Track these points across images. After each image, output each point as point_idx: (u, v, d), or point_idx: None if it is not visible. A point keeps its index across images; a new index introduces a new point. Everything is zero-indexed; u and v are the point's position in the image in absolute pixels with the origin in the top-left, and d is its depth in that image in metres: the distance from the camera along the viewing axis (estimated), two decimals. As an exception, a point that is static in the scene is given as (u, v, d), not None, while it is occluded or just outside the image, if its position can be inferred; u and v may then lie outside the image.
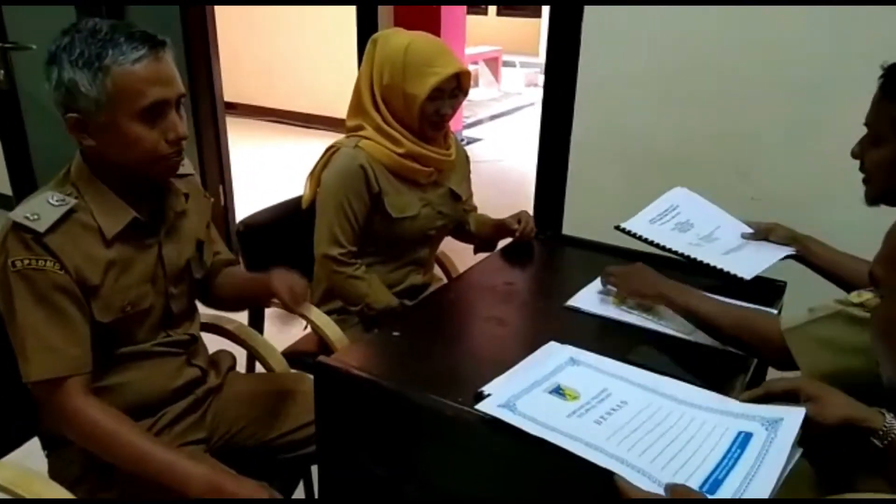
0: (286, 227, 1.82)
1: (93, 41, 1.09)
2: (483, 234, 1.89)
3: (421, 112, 1.63)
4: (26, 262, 1.08)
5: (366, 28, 2.70)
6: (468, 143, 6.17)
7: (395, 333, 1.29)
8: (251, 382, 1.50)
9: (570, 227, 2.47)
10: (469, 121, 6.94)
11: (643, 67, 2.18)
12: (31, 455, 1.28)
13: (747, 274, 1.40)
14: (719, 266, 1.43)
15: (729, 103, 2.08)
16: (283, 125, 6.44)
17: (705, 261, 1.45)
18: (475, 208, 1.98)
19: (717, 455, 0.88)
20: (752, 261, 1.44)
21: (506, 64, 9.27)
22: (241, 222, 1.81)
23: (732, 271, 1.41)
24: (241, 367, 1.58)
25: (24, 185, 2.71)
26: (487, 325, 1.40)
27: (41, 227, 1.09)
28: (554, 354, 1.13)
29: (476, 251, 1.95)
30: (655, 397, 1.02)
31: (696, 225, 1.61)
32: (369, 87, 1.67)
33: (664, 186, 1.71)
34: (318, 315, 1.65)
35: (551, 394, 1.02)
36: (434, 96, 1.61)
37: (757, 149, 2.08)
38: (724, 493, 0.82)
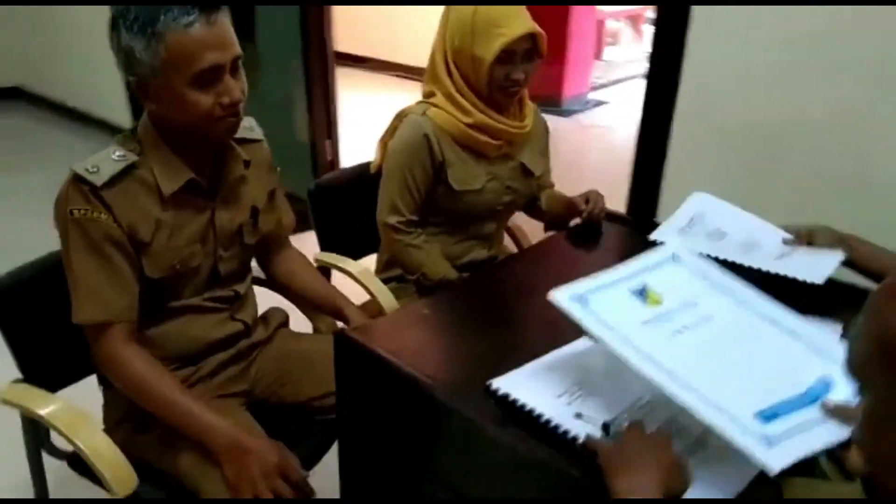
0: (358, 190, 1.83)
1: (147, 6, 1.12)
2: (554, 213, 1.81)
3: (490, 76, 1.55)
4: (83, 211, 1.16)
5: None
6: (594, 105, 5.92)
7: (426, 311, 1.27)
8: (300, 341, 1.54)
9: (666, 211, 2.31)
10: (599, 81, 6.63)
11: (755, 37, 1.96)
12: (93, 389, 1.39)
13: (818, 279, 1.24)
14: (783, 273, 1.27)
15: (846, 77, 1.82)
16: (409, 80, 6.49)
17: (764, 268, 1.29)
18: (551, 185, 1.89)
19: (791, 391, 0.84)
20: (814, 265, 1.27)
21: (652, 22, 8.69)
22: (315, 182, 1.84)
23: (801, 277, 1.25)
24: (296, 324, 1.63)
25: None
26: (527, 310, 1.34)
27: (98, 181, 1.16)
28: (668, 240, 1.12)
29: (546, 229, 1.87)
30: (748, 315, 0.94)
31: (729, 233, 1.47)
32: (442, 52, 1.62)
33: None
34: (375, 283, 1.67)
35: (633, 294, 0.97)
36: (503, 59, 1.53)
37: (878, 129, 1.82)
38: (773, 429, 0.79)
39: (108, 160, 1.19)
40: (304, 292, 1.54)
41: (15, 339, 1.29)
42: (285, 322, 1.58)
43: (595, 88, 6.40)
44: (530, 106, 1.73)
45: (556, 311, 0.97)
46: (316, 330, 1.64)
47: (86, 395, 1.34)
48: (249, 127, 1.43)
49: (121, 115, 4.09)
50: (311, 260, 1.77)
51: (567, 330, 1.02)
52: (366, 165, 1.86)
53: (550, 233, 1.80)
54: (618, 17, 7.80)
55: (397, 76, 6.66)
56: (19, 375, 1.31)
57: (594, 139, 5.32)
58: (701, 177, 2.16)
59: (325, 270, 1.77)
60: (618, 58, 7.84)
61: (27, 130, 4.85)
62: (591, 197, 1.66)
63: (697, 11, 2.02)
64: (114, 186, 1.17)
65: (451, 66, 1.60)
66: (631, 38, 8.34)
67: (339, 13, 3.44)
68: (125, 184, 1.19)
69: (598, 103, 6.05)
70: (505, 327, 1.29)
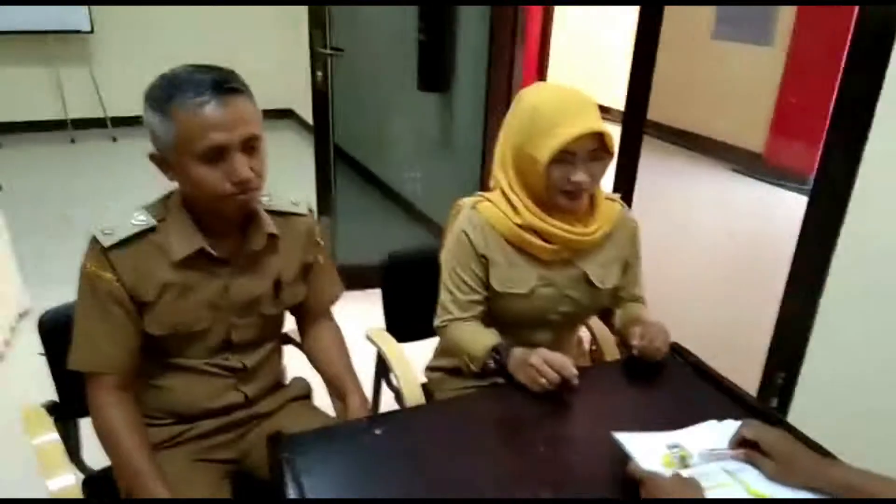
0: (431, 265, 1.73)
1: (167, 86, 1.19)
2: (623, 333, 1.54)
3: (547, 179, 1.39)
4: (92, 268, 1.26)
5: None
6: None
7: (377, 431, 1.15)
8: (307, 419, 1.49)
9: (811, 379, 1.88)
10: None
11: None
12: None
13: None
14: None
15: None
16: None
17: None
18: (637, 298, 1.62)
19: None
20: None
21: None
22: (390, 253, 1.81)
23: None
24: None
25: (324, 179, 3.14)
26: (506, 447, 1.15)
27: (107, 242, 1.25)
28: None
29: (622, 348, 1.61)
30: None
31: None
32: (505, 143, 1.49)
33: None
34: (407, 373, 1.59)
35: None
36: (561, 159, 1.36)
37: None
38: None
39: (125, 223, 1.28)
40: (321, 369, 1.52)
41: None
42: (305, 395, 1.56)
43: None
44: (607, 210, 1.51)
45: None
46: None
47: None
48: (294, 202, 1.45)
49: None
50: (364, 334, 1.75)
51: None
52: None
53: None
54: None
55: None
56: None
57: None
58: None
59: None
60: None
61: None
62: (648, 334, 1.38)
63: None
64: (123, 248, 1.26)
65: (510, 161, 1.46)
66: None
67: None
68: (137, 246, 1.27)
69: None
70: (451, 463, 1.12)
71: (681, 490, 0.98)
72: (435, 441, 1.17)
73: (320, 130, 3.01)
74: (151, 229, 1.28)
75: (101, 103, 5.89)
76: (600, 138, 1.36)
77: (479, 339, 1.45)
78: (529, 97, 1.42)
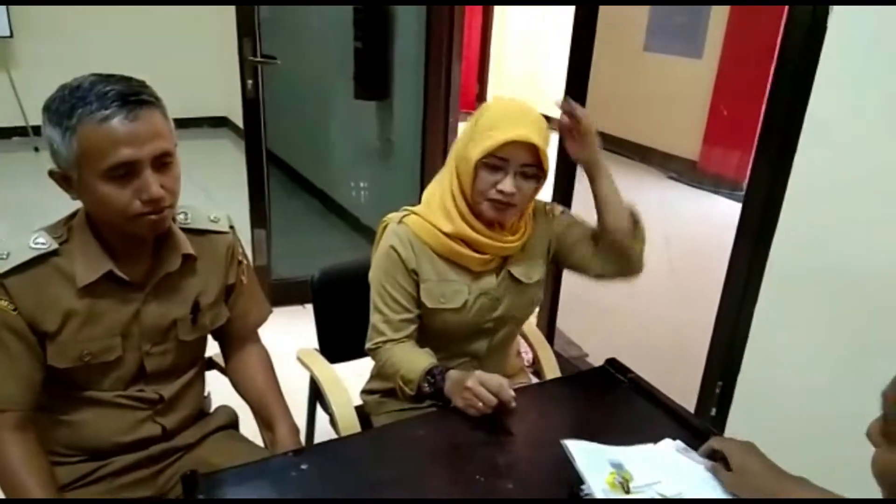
0: (362, 282, 1.67)
1: (69, 98, 1.09)
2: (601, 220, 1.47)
3: (476, 181, 1.35)
4: None
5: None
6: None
7: (303, 466, 1.08)
8: (232, 450, 1.39)
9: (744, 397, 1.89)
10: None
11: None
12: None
13: None
14: None
15: None
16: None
17: None
18: (589, 230, 1.52)
19: None
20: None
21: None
22: (321, 269, 1.73)
23: None
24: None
25: (257, 189, 3.03)
26: (442, 478, 1.09)
27: (1, 268, 1.14)
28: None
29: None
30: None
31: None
32: (453, 150, 1.45)
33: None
34: (339, 398, 1.52)
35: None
36: (491, 164, 1.32)
37: None
38: None
39: (22, 247, 1.17)
40: (247, 396, 1.43)
41: None
42: (231, 424, 1.47)
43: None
44: (529, 215, 1.48)
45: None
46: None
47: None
48: (213, 218, 1.36)
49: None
50: (295, 353, 1.67)
51: None
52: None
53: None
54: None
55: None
56: None
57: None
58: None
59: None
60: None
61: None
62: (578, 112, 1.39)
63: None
64: (21, 273, 1.15)
65: (452, 166, 1.42)
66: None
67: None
68: (36, 271, 1.17)
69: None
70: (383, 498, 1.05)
71: None
72: (366, 475, 1.10)
73: (251, 140, 2.90)
74: (53, 252, 1.18)
75: (23, 111, 5.58)
76: (536, 156, 1.32)
77: (414, 361, 1.39)
78: (484, 106, 1.39)
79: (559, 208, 1.56)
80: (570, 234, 1.52)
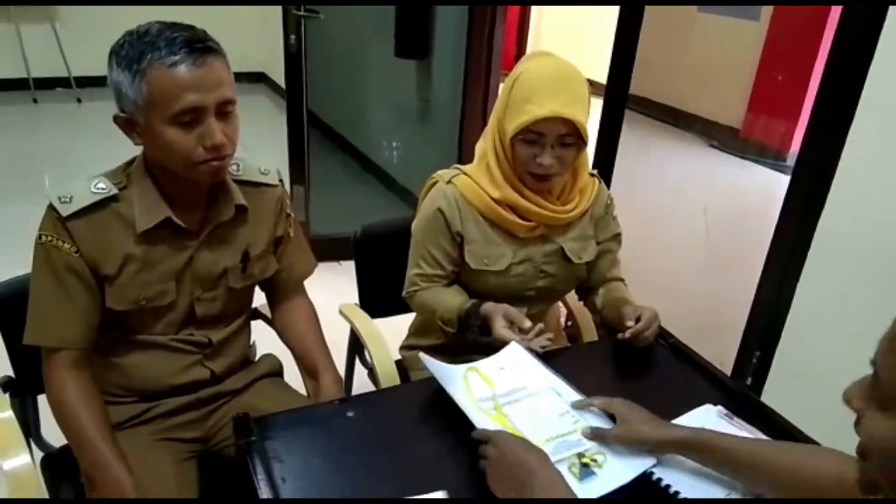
0: (402, 239, 1.68)
1: (138, 43, 1.11)
2: (606, 315, 1.52)
3: (515, 155, 1.35)
4: (49, 238, 1.19)
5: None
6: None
7: (349, 414, 1.11)
8: (277, 397, 1.43)
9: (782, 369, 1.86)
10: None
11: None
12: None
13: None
14: None
15: None
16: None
17: None
18: (617, 279, 1.59)
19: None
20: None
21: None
22: (362, 226, 1.75)
23: None
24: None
25: (297, 147, 3.05)
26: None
27: (65, 211, 1.17)
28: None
29: (601, 328, 1.58)
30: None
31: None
32: (493, 111, 1.43)
33: None
34: (381, 352, 1.54)
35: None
36: (529, 139, 1.31)
37: None
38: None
39: (84, 191, 1.20)
40: (293, 346, 1.47)
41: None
42: (276, 372, 1.51)
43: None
44: (586, 186, 1.47)
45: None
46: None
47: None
48: (264, 171, 1.38)
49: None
50: (337, 308, 1.70)
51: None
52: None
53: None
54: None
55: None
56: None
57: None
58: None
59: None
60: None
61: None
62: (644, 317, 1.33)
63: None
64: (82, 217, 1.19)
65: (495, 131, 1.41)
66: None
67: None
68: (98, 216, 1.20)
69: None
70: (426, 446, 1.09)
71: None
72: (410, 424, 1.13)
73: (293, 96, 2.91)
74: (113, 198, 1.21)
75: (66, 62, 5.66)
76: (574, 127, 1.30)
77: (448, 301, 1.44)
78: (522, 64, 1.37)
79: (617, 228, 1.58)
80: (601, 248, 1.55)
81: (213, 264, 1.31)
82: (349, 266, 1.77)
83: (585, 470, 1.03)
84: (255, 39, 5.62)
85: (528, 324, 1.31)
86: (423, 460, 1.05)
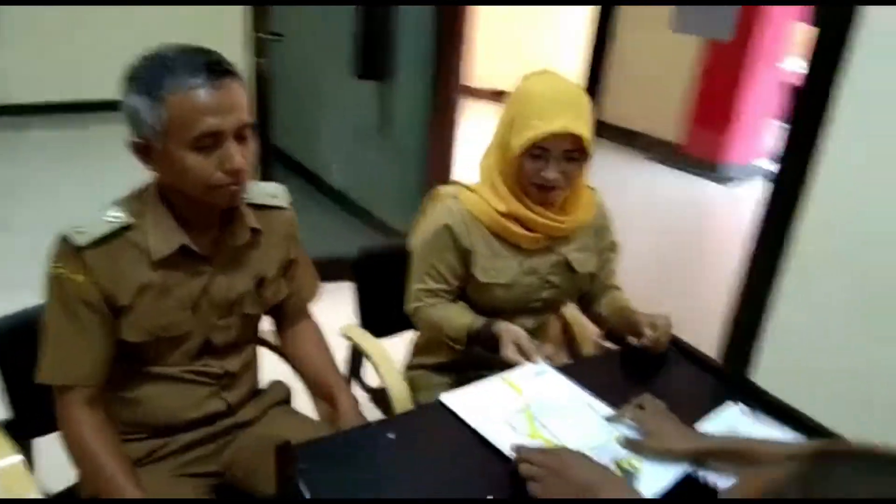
0: (402, 261, 1.69)
1: (154, 68, 1.09)
2: (613, 324, 1.56)
3: (520, 170, 1.40)
4: (61, 270, 1.14)
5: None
6: (758, 175, 5.34)
7: (390, 436, 1.10)
8: (290, 425, 1.41)
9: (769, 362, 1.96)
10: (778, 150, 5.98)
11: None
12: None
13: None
14: None
15: None
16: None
17: None
18: (615, 287, 1.64)
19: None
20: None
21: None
22: (361, 249, 1.74)
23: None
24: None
25: (265, 175, 2.98)
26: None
27: (79, 242, 1.13)
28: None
29: (605, 338, 1.62)
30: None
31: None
32: (497, 127, 1.47)
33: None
34: (391, 372, 1.54)
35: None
36: (535, 154, 1.36)
37: None
38: None
39: (97, 221, 1.16)
40: (305, 371, 1.44)
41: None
42: (286, 399, 1.48)
43: (770, 157, 5.78)
44: (586, 197, 1.53)
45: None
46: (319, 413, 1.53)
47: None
48: (272, 194, 1.37)
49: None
50: (338, 330, 1.68)
51: None
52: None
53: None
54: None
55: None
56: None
57: (734, 215, 4.62)
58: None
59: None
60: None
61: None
62: (659, 324, 1.38)
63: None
64: (97, 248, 1.14)
65: (497, 144, 1.45)
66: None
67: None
68: (112, 245, 1.16)
69: (768, 174, 5.45)
70: (474, 461, 1.08)
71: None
72: (452, 441, 1.13)
73: (261, 122, 2.86)
74: (127, 227, 1.17)
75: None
76: (579, 141, 1.36)
77: (453, 318, 1.47)
78: (527, 82, 1.42)
79: (613, 237, 1.63)
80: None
81: (228, 289, 1.28)
82: (330, 287, 1.73)
83: (626, 475, 1.05)
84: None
85: (536, 357, 1.33)
86: (474, 475, 1.06)
